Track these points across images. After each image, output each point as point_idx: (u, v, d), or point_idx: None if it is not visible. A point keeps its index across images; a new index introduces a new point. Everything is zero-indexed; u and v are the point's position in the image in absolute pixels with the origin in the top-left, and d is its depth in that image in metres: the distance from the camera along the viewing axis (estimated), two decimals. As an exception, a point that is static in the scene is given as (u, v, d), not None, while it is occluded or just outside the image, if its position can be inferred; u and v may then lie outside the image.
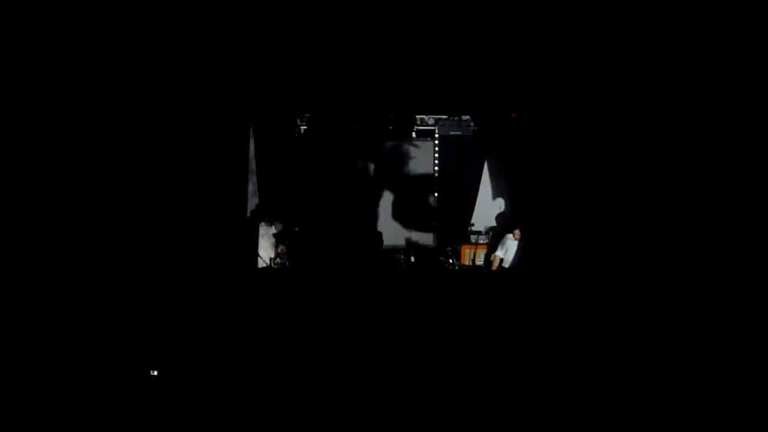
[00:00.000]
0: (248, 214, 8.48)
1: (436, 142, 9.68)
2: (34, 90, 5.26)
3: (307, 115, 9.29)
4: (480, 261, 7.87)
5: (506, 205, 9.31)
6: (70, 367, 4.84)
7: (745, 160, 5.37)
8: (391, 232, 9.26)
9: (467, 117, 9.43)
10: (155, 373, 4.94)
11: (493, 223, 9.28)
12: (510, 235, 8.16)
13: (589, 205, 6.86)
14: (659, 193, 6.07)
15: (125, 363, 5.03)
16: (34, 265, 5.31)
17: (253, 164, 8.93)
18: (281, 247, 8.22)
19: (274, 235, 8.23)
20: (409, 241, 9.55)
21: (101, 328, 5.43)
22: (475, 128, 9.46)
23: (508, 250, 8.11)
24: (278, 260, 7.99)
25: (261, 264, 7.85)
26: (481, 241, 8.66)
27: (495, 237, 8.51)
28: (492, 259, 8.13)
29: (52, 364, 4.78)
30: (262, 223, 8.18)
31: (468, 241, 8.67)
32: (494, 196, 9.49)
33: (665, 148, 6.02)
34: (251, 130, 8.77)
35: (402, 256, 8.87)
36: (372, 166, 9.70)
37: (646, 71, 6.14)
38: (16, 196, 5.03)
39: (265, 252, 8.02)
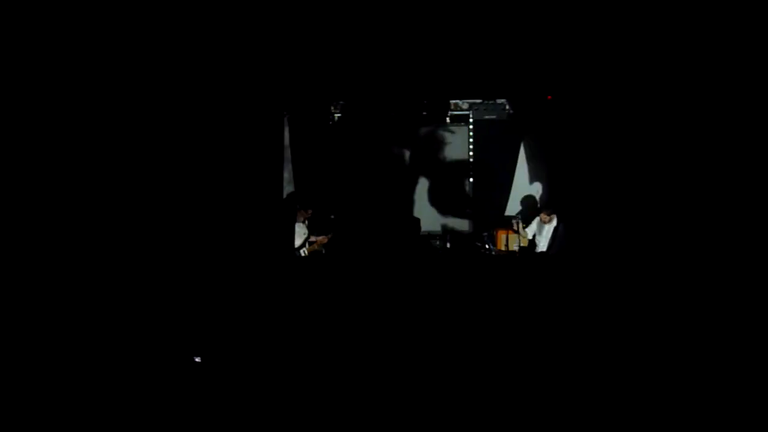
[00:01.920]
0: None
1: (471, 126, 9.60)
2: (74, 78, 5.37)
3: (341, 102, 9.31)
4: (516, 246, 7.79)
5: (543, 189, 9.18)
6: (110, 354, 4.98)
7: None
8: (427, 218, 9.25)
9: (502, 101, 9.30)
10: (198, 359, 5.04)
11: (529, 208, 9.19)
12: (538, 219, 8.10)
13: (630, 189, 6.70)
14: (705, 177, 5.88)
15: (164, 350, 5.14)
16: (78, 254, 5.47)
17: (288, 152, 8.99)
18: (321, 238, 8.26)
19: (304, 223, 8.26)
20: (444, 227, 9.53)
21: (139, 316, 5.57)
22: (511, 112, 9.33)
23: (537, 234, 8.04)
24: (305, 249, 8.05)
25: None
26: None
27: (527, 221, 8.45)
28: (521, 233, 8.07)
29: (92, 350, 4.92)
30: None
31: (504, 227, 8.59)
32: (531, 181, 9.37)
33: (713, 129, 5.82)
34: (286, 119, 8.82)
35: (438, 242, 8.86)
36: (407, 153, 9.68)
37: (690, 51, 5.94)
38: (58, 182, 5.16)
39: (298, 239, 8.10)
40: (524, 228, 8.18)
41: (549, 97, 8.64)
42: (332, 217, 8.73)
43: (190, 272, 6.27)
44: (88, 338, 5.07)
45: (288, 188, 8.90)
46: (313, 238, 8.17)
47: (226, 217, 6.82)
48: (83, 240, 5.53)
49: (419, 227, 8.50)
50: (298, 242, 8.05)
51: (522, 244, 8.06)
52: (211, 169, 6.77)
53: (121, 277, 5.78)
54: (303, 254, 7.97)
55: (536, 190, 9.34)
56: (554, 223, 7.95)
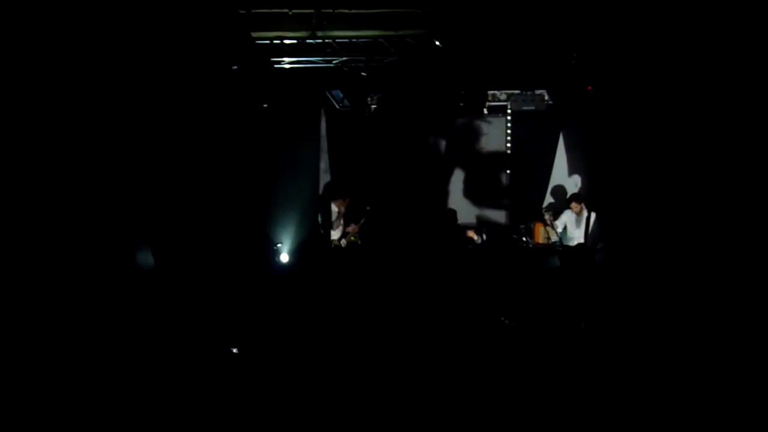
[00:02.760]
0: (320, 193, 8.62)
1: (509, 117, 9.49)
2: (97, 77, 5.39)
3: (378, 94, 9.30)
4: (555, 238, 7.67)
5: (582, 181, 9.02)
6: (155, 343, 5.06)
7: None
8: (463, 209, 9.18)
9: (541, 91, 9.16)
10: (235, 350, 5.07)
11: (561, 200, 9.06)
12: (568, 210, 7.97)
13: (672, 182, 6.55)
14: (748, 170, 5.70)
15: (206, 339, 5.22)
16: (124, 248, 5.54)
17: (324, 143, 9.02)
18: (353, 227, 8.27)
19: (341, 213, 8.25)
20: (480, 219, 9.45)
21: (182, 303, 5.66)
22: (550, 102, 9.19)
23: (572, 226, 7.91)
24: (344, 240, 8.06)
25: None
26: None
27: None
28: (550, 224, 7.97)
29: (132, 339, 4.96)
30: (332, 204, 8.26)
31: (542, 219, 8.48)
32: (570, 173, 9.22)
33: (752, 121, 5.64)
34: (322, 110, 8.85)
35: (473, 234, 8.79)
36: (443, 144, 9.62)
37: (734, 41, 5.75)
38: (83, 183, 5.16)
39: (335, 232, 8.11)
40: (555, 221, 8.06)
41: (589, 87, 8.48)
42: (368, 208, 8.72)
43: (227, 260, 6.35)
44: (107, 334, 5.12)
45: (324, 178, 8.94)
46: (348, 229, 8.17)
47: (263, 206, 6.90)
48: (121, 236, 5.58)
49: (455, 219, 8.44)
50: (336, 235, 8.07)
51: (553, 238, 7.96)
52: (245, 159, 6.84)
53: (166, 262, 5.87)
54: (342, 245, 8.00)
55: (575, 182, 9.18)
56: (585, 212, 7.81)
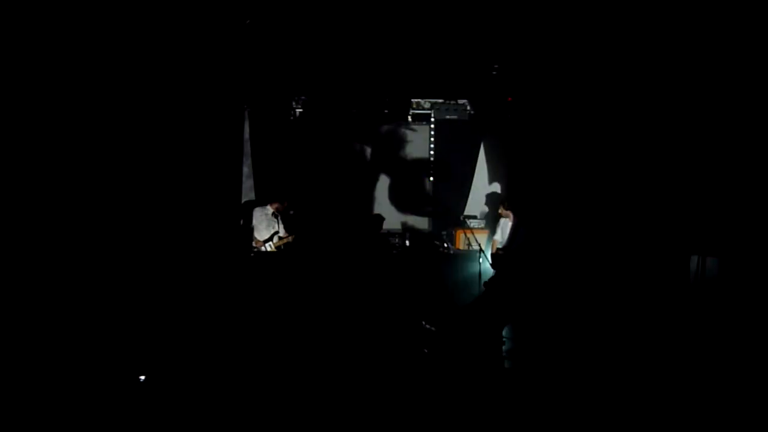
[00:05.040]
0: (243, 197, 8.44)
1: (432, 126, 9.66)
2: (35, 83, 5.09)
3: (302, 97, 9.23)
4: (475, 246, 7.86)
5: (502, 189, 9.29)
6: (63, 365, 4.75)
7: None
8: (387, 215, 9.25)
9: (464, 101, 9.38)
10: (143, 378, 4.81)
11: (487, 209, 9.29)
12: (503, 219, 8.17)
13: (587, 191, 6.85)
14: (655, 181, 6.03)
15: (115, 361, 4.91)
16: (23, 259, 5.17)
17: (248, 146, 8.85)
18: (288, 237, 8.07)
19: (275, 215, 8.05)
20: (404, 225, 9.56)
21: (88, 323, 5.30)
22: (472, 112, 9.42)
23: (502, 231, 8.10)
24: (271, 244, 7.88)
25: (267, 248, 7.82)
26: (476, 226, 8.66)
27: (491, 221, 8.53)
28: (492, 243, 8.15)
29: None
30: (267, 207, 8.05)
31: (463, 226, 8.67)
32: (490, 181, 9.47)
33: (665, 135, 5.97)
34: (246, 112, 8.69)
35: (397, 240, 8.88)
36: (368, 150, 9.68)
37: (648, 61, 6.07)
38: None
39: (263, 233, 7.91)
40: (496, 234, 8.21)
41: (509, 98, 8.77)
42: (291, 212, 8.60)
43: (142, 273, 6.06)
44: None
45: (247, 182, 8.76)
46: (282, 234, 7.99)
47: (181, 212, 6.64)
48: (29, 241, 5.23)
49: (381, 225, 8.49)
50: (265, 235, 7.86)
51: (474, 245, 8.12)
52: (170, 162, 6.60)
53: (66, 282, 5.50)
54: (269, 248, 7.81)
55: (495, 189, 9.44)
56: (511, 218, 7.98)
